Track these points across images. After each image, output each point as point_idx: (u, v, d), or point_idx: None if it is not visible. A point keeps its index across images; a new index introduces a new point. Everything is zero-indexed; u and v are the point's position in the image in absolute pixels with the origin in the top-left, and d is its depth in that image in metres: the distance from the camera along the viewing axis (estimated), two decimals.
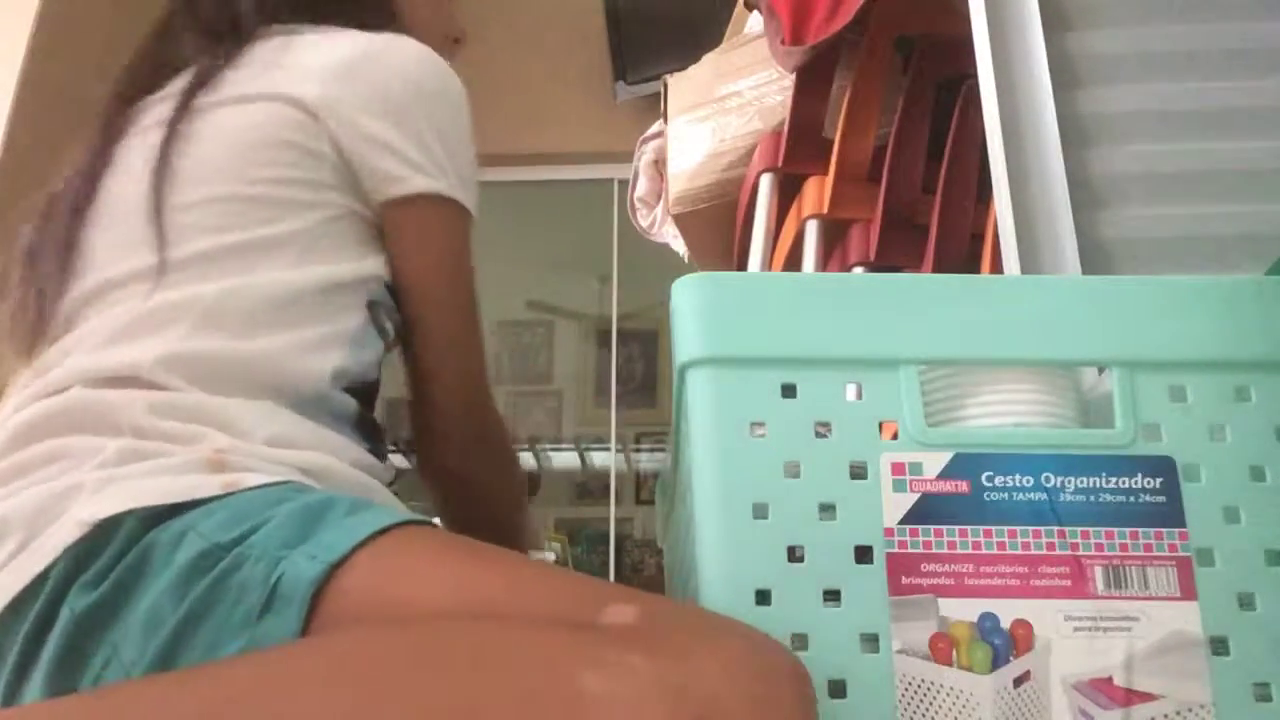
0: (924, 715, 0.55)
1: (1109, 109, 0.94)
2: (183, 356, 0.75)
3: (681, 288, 0.62)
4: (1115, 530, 0.57)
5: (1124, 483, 0.58)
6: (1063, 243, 0.89)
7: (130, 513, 0.65)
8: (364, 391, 0.85)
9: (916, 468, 0.58)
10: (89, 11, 3.44)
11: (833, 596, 0.56)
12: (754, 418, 0.59)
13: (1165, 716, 0.55)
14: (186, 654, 0.62)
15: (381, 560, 0.62)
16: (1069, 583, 0.57)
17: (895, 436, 0.59)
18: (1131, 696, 0.55)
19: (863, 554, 0.57)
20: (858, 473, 0.58)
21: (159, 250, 0.79)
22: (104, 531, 0.65)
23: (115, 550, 0.64)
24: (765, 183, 1.51)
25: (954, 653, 0.55)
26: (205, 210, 0.81)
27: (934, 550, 0.57)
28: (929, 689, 0.55)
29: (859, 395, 0.59)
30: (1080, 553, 0.57)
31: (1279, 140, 0.91)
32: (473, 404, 0.92)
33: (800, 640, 0.55)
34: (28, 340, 0.82)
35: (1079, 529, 0.57)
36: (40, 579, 0.65)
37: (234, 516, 0.65)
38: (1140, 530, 0.57)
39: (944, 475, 0.58)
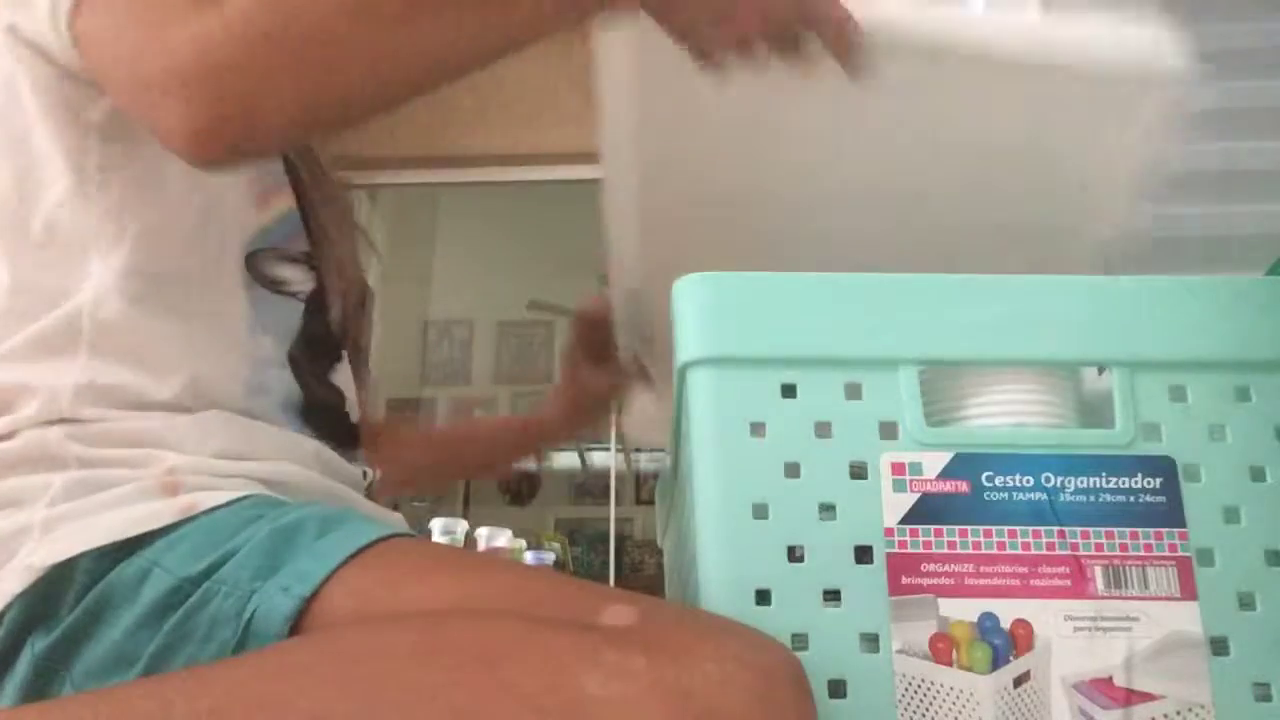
0: (924, 715, 0.55)
1: None
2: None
3: (683, 287, 0.62)
4: (1115, 530, 0.57)
5: (1124, 483, 0.58)
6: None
7: (84, 554, 0.62)
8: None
9: (916, 468, 0.58)
10: None
11: (833, 596, 0.56)
12: (754, 418, 0.59)
13: (1165, 716, 0.55)
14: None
15: (360, 579, 0.60)
16: (1069, 583, 0.57)
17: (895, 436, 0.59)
18: (1132, 696, 0.55)
19: (863, 554, 0.57)
20: (858, 473, 0.58)
21: None
22: (59, 574, 0.62)
23: (76, 590, 0.62)
24: None
25: (954, 653, 0.55)
26: None
27: (934, 550, 0.57)
28: (929, 689, 0.55)
29: (859, 395, 0.59)
30: (1080, 553, 0.57)
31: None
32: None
33: (800, 640, 0.55)
34: None
35: (1079, 529, 0.57)
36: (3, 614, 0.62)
37: (199, 546, 0.62)
38: (1140, 530, 0.57)
39: (944, 475, 0.58)
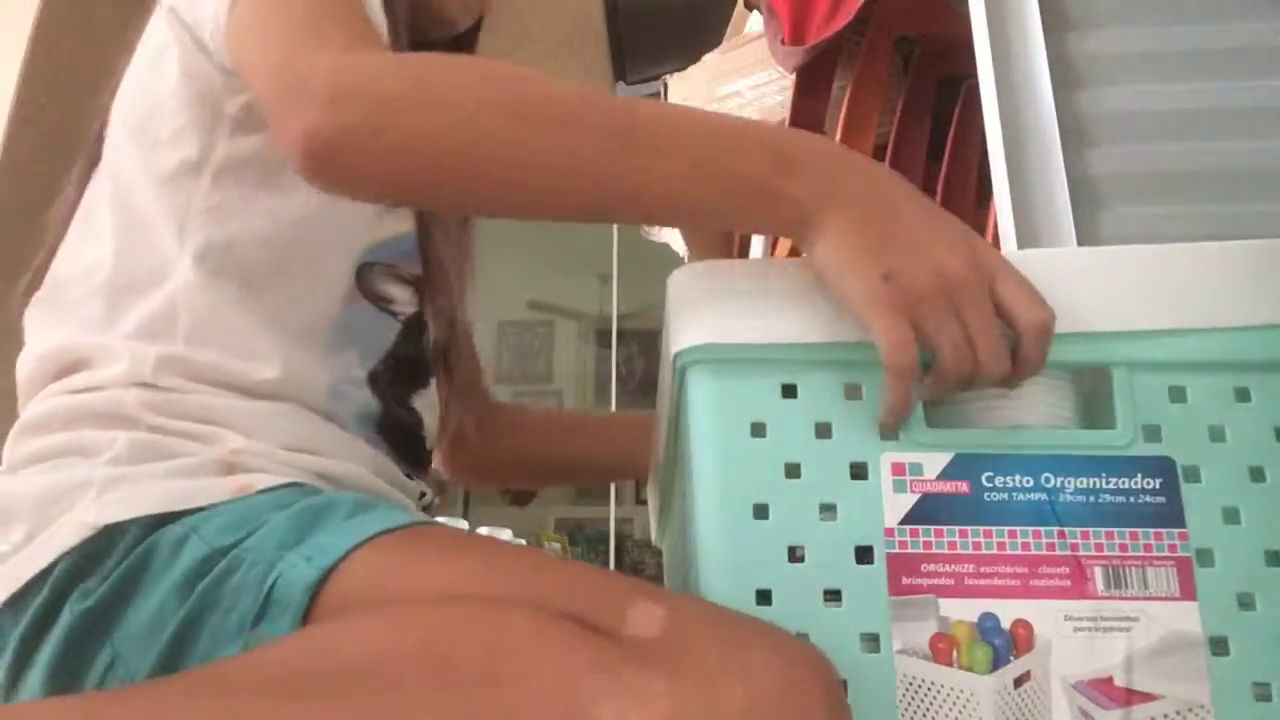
0: (924, 715, 0.55)
1: (1109, 109, 0.94)
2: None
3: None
4: (1115, 530, 0.57)
5: (1124, 483, 0.58)
6: (1063, 243, 0.89)
7: (135, 520, 0.64)
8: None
9: (917, 468, 0.58)
10: (89, 11, 3.44)
11: (833, 596, 0.56)
12: (755, 418, 0.59)
13: (1165, 716, 0.55)
14: (187, 659, 0.61)
15: (383, 558, 0.60)
16: (1069, 583, 0.57)
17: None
18: (1131, 696, 0.55)
19: (863, 554, 0.57)
20: (858, 473, 0.58)
21: None
22: (109, 535, 0.64)
23: (120, 553, 0.64)
24: None
25: (954, 653, 0.55)
26: None
27: (934, 550, 0.57)
28: (929, 689, 0.55)
29: (859, 396, 0.59)
30: (1080, 553, 0.57)
31: None
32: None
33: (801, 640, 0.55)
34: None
35: (1079, 529, 0.57)
36: (42, 576, 0.64)
37: (236, 520, 0.64)
38: (1140, 530, 0.57)
39: (944, 476, 0.58)
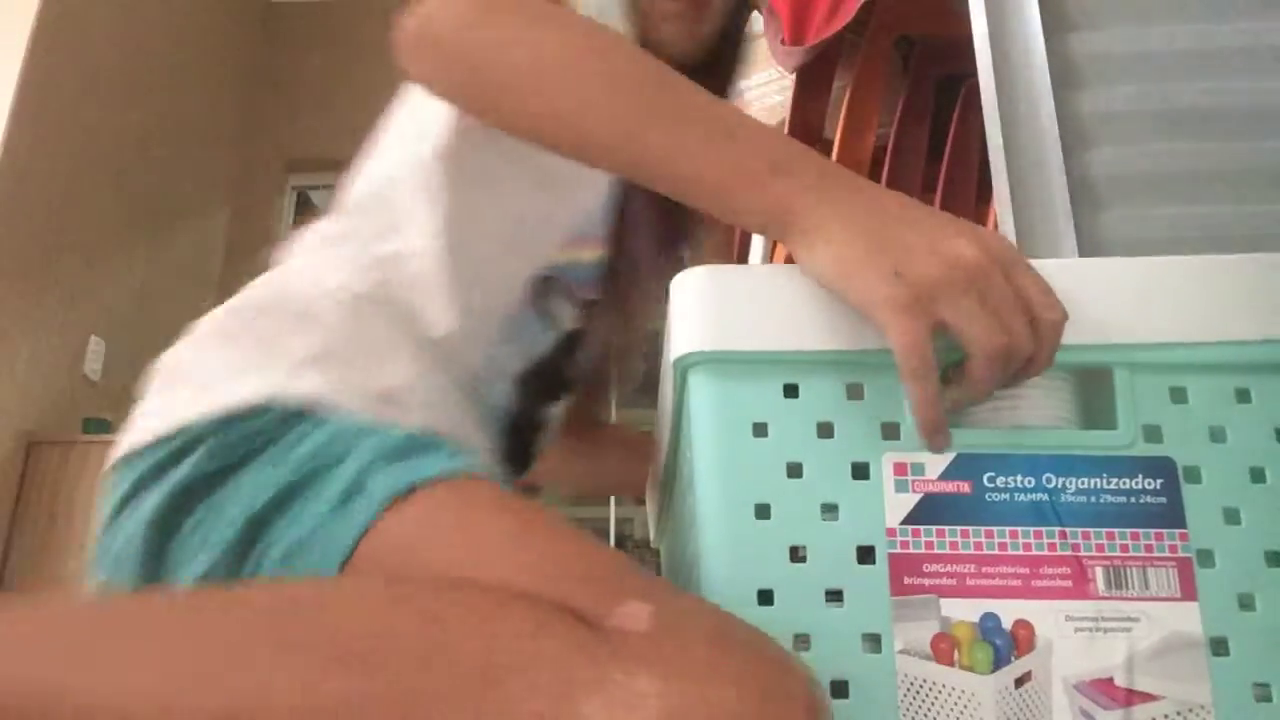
0: (926, 715, 0.55)
1: (1109, 109, 0.94)
2: None
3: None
4: (1116, 531, 0.58)
5: (1125, 484, 0.58)
6: (1063, 243, 0.89)
7: (295, 402, 0.69)
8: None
9: (918, 468, 0.58)
10: (89, 12, 3.44)
11: (835, 597, 0.56)
12: (756, 418, 0.59)
13: (1165, 717, 0.55)
14: (263, 536, 0.64)
15: (432, 503, 0.63)
16: (1070, 583, 0.57)
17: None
18: (1132, 696, 0.55)
19: (865, 554, 0.57)
20: (860, 473, 0.58)
21: None
22: (252, 411, 0.68)
23: (252, 429, 0.68)
24: None
25: (956, 653, 0.56)
26: None
27: (936, 550, 0.57)
28: (931, 689, 0.55)
29: (861, 395, 0.59)
30: (1081, 553, 0.57)
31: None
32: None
33: (803, 640, 0.56)
34: None
35: (1080, 530, 0.57)
36: (186, 430, 0.69)
37: (354, 428, 0.68)
38: (1141, 531, 0.58)
39: (945, 476, 0.58)
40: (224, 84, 4.33)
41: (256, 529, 0.65)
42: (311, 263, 0.83)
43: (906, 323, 0.55)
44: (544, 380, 0.89)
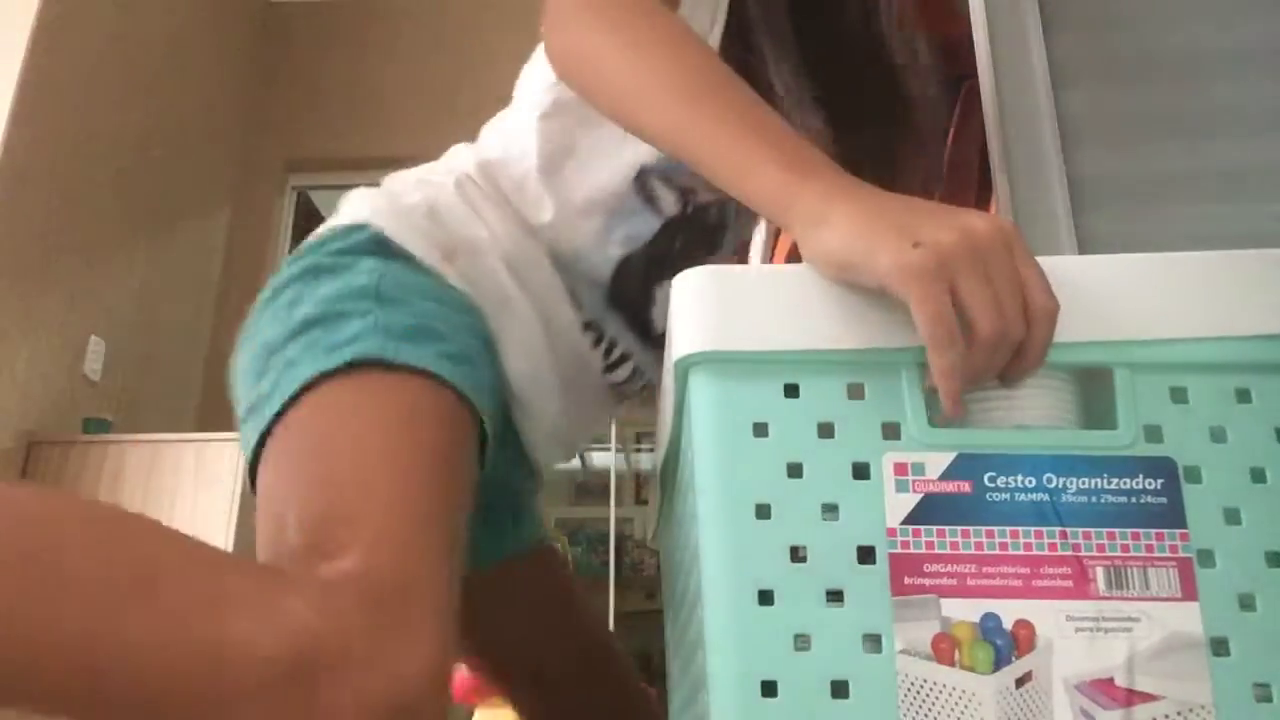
0: (926, 716, 0.55)
1: (1109, 109, 0.94)
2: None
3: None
4: (1117, 531, 0.58)
5: (1125, 484, 0.58)
6: (1062, 242, 0.89)
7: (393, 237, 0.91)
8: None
9: (919, 468, 0.58)
10: (89, 12, 3.44)
11: (835, 597, 0.56)
12: (757, 418, 0.59)
13: (1166, 717, 0.55)
14: (288, 348, 0.81)
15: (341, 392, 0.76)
16: (1071, 583, 0.57)
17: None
18: (1132, 697, 0.55)
19: (865, 554, 0.57)
20: (860, 473, 0.58)
21: None
22: (353, 226, 0.91)
23: (350, 242, 0.90)
24: None
25: (956, 653, 0.56)
26: None
27: (936, 550, 0.57)
28: (931, 689, 0.55)
29: (862, 395, 0.59)
30: (1082, 553, 0.57)
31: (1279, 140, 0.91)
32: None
33: (803, 640, 0.56)
34: None
35: (1081, 530, 0.57)
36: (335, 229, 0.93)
37: (397, 284, 0.86)
38: (1142, 531, 0.58)
39: (946, 476, 0.58)
40: (224, 84, 4.33)
41: (293, 335, 0.80)
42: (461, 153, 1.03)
43: (931, 289, 0.56)
44: (652, 263, 0.98)
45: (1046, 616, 0.56)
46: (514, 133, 0.99)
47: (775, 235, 1.52)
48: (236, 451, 3.08)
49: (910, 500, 0.58)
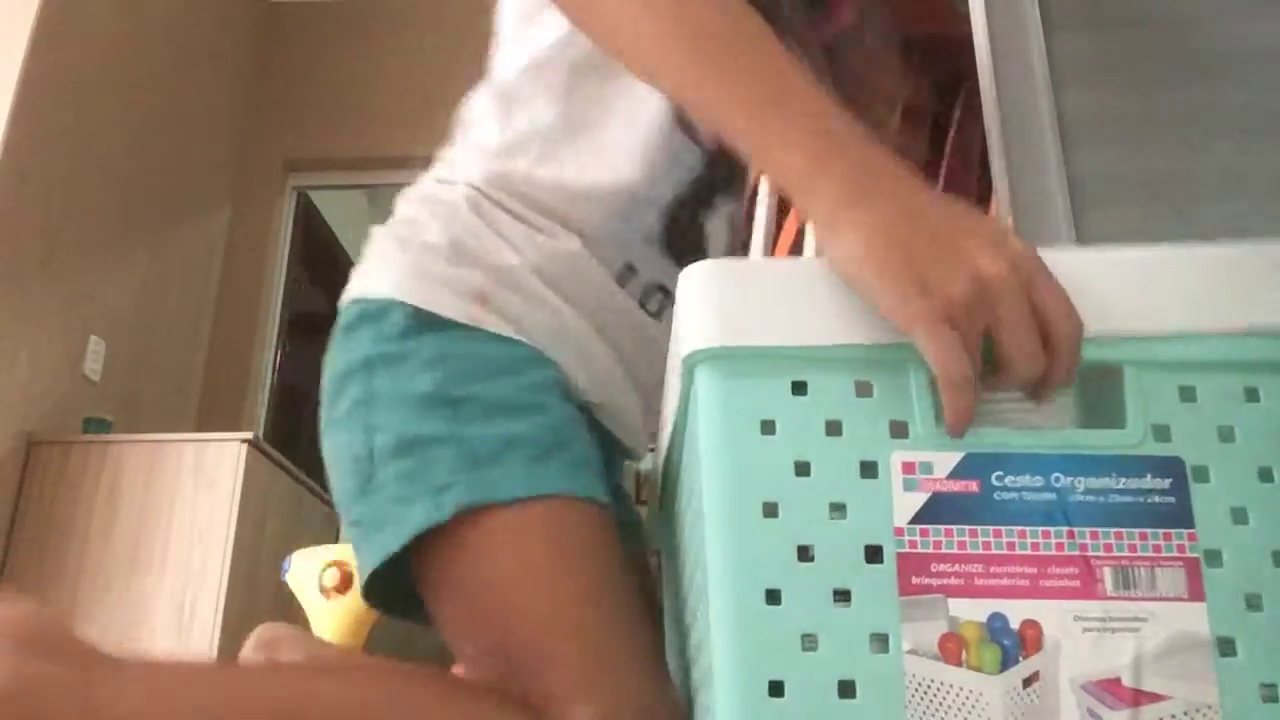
0: (933, 716, 0.55)
1: (1109, 109, 0.94)
2: None
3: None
4: (1125, 531, 0.57)
5: (1133, 483, 0.58)
6: (1062, 241, 0.89)
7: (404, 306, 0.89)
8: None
9: (927, 467, 0.58)
10: (89, 12, 3.44)
11: (842, 596, 0.56)
12: (764, 415, 0.59)
13: (1173, 717, 0.55)
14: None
15: (474, 535, 0.79)
16: (1078, 583, 0.57)
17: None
18: (1139, 697, 0.55)
19: (873, 554, 0.57)
20: (868, 472, 0.58)
21: None
22: (389, 305, 0.90)
23: (384, 318, 0.89)
24: (765, 181, 1.51)
25: (963, 653, 0.55)
26: None
27: (944, 550, 0.57)
28: (938, 690, 0.55)
29: (870, 393, 0.59)
30: (1089, 553, 0.57)
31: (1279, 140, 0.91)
32: None
33: (810, 640, 0.55)
34: None
35: (1088, 529, 0.57)
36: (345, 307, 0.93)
37: (454, 371, 0.85)
38: (1149, 531, 0.57)
39: (954, 475, 0.58)
40: (224, 84, 4.32)
41: (380, 460, 0.83)
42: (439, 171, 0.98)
43: (939, 336, 0.56)
44: (698, 195, 0.96)
45: (1053, 617, 0.56)
46: (517, 103, 0.95)
47: (774, 240, 1.52)
48: (237, 451, 3.09)
49: (918, 499, 0.58)
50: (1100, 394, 0.61)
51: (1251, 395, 0.59)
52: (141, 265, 3.71)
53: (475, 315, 0.87)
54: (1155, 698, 0.55)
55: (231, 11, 4.41)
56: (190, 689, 0.72)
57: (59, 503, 3.09)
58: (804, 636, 0.55)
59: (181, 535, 3.03)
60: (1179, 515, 0.58)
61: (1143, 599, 0.57)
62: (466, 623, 0.81)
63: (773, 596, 0.56)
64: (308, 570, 2.76)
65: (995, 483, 0.58)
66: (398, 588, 0.84)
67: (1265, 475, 0.58)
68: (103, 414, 3.34)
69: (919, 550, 0.57)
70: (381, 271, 0.91)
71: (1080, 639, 0.56)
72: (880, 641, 0.56)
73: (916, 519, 0.57)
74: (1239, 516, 0.58)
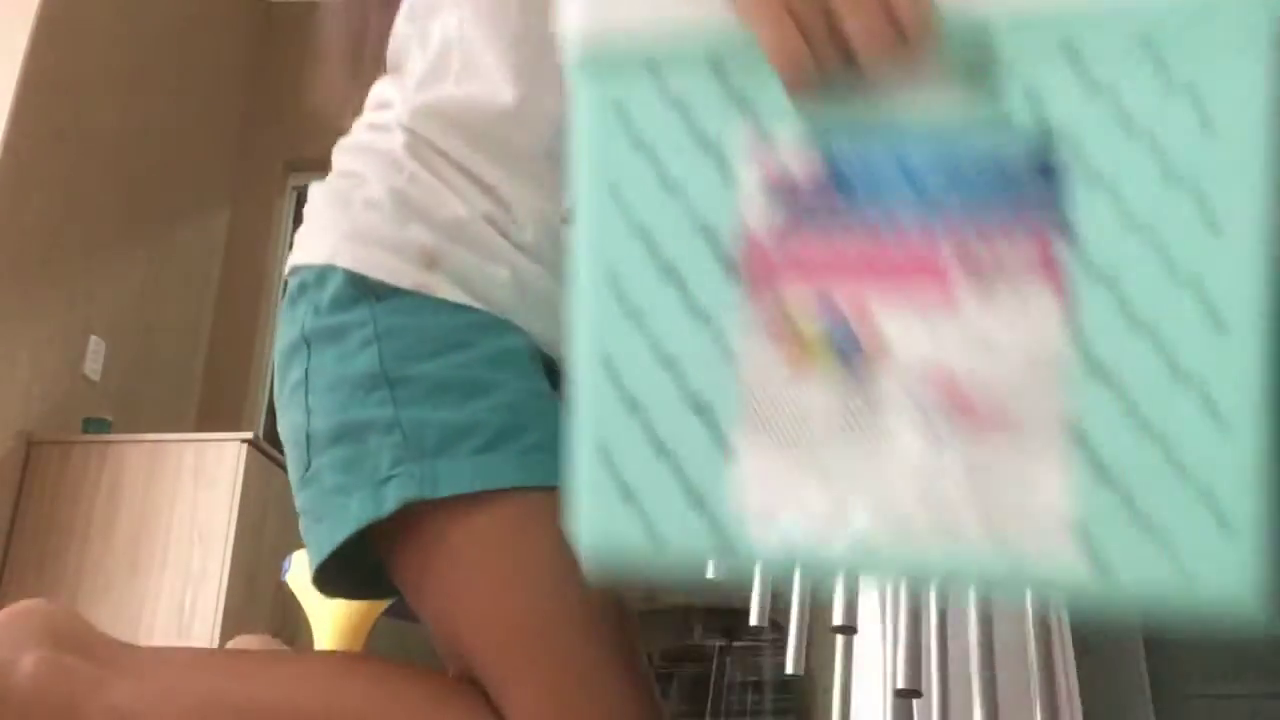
0: (771, 418, 0.49)
1: None
2: None
3: None
4: (989, 223, 0.49)
5: (1004, 168, 0.50)
6: None
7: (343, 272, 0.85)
8: None
9: (773, 150, 0.51)
10: (89, 12, 3.47)
11: (674, 276, 0.50)
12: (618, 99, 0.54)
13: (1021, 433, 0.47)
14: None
15: (465, 525, 0.75)
16: (931, 280, 0.49)
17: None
18: (987, 415, 0.48)
19: (710, 234, 0.51)
20: (711, 152, 0.52)
21: None
22: (325, 272, 0.85)
23: (328, 284, 0.84)
24: None
25: (802, 352, 0.50)
26: None
27: (786, 235, 0.50)
28: (776, 389, 0.49)
29: (723, 75, 0.53)
30: (942, 242, 0.49)
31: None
32: None
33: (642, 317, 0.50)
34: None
35: (947, 220, 0.49)
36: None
37: (408, 344, 0.80)
38: (1015, 228, 0.49)
39: (801, 159, 0.51)
40: (224, 84, 4.36)
41: (319, 447, 0.80)
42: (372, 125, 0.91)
43: (779, 23, 0.50)
44: None
45: (901, 315, 0.49)
46: (432, 18, 0.88)
47: None
48: (237, 451, 3.07)
49: (761, 181, 0.51)
50: (971, 70, 0.53)
51: (1159, 67, 0.50)
52: (141, 265, 3.72)
53: (421, 281, 0.79)
54: (1004, 416, 0.48)
55: (231, 12, 4.46)
56: (202, 682, 0.77)
57: (59, 503, 3.08)
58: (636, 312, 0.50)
59: (181, 535, 3.02)
60: (1055, 211, 0.49)
61: (1001, 308, 0.48)
62: (428, 620, 0.78)
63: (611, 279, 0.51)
64: (308, 570, 2.72)
65: (844, 167, 0.51)
66: (360, 568, 0.81)
67: (1167, 172, 0.49)
68: (103, 414, 3.33)
69: (758, 235, 0.51)
70: (319, 234, 0.85)
71: (925, 340, 0.49)
72: (708, 321, 0.50)
73: (760, 203, 0.51)
74: (1131, 225, 0.48)
